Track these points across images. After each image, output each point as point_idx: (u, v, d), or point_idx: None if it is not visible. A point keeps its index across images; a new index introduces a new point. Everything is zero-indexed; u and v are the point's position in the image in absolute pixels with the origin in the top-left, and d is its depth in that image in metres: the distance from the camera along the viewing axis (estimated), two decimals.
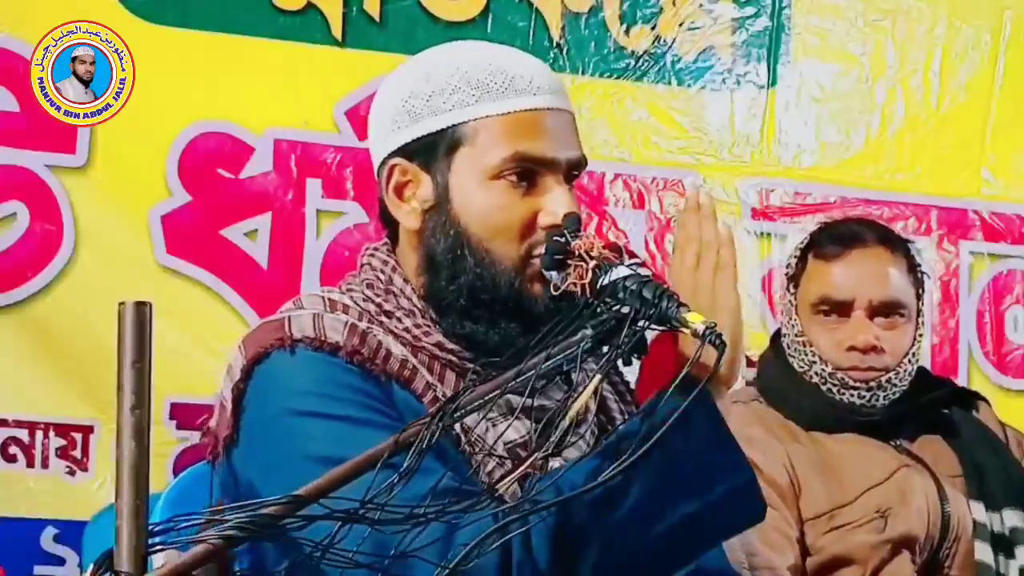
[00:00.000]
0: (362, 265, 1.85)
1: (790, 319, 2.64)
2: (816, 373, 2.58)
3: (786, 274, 2.69)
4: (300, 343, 1.69)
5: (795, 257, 2.67)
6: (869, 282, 2.59)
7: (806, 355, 2.59)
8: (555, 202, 1.74)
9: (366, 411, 1.65)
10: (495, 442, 1.70)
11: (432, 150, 1.77)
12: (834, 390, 2.57)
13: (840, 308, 2.59)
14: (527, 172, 1.75)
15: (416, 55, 1.86)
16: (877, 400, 2.57)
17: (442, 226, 1.76)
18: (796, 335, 2.61)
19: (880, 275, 2.59)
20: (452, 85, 1.76)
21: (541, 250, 1.71)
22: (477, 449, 1.68)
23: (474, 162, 1.75)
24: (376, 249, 1.86)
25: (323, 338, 1.69)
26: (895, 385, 2.58)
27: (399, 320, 1.76)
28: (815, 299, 2.60)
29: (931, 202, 3.75)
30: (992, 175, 3.78)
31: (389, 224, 1.85)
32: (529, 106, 1.76)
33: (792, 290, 2.65)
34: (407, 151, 1.78)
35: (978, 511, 2.54)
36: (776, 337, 2.73)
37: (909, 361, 2.60)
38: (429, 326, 1.76)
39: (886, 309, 2.58)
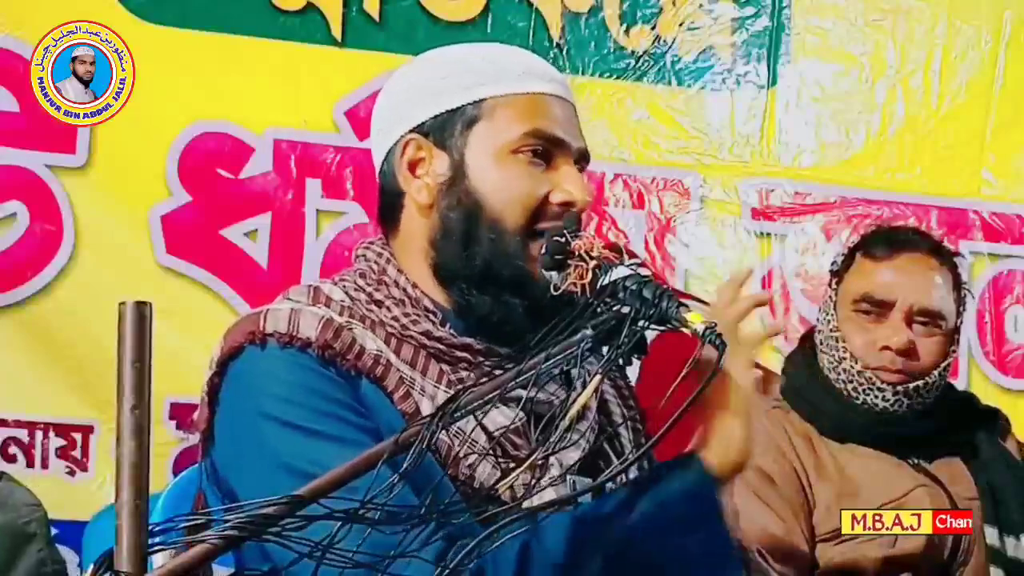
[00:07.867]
0: (357, 257, 1.88)
1: (827, 314, 2.59)
2: (844, 370, 2.53)
3: (831, 270, 2.66)
4: (271, 338, 1.70)
5: (842, 254, 2.65)
6: (913, 287, 2.55)
7: (836, 351, 2.55)
8: (569, 180, 1.79)
9: (328, 421, 1.65)
10: (496, 433, 1.70)
11: (449, 127, 1.80)
12: (859, 390, 2.52)
13: (880, 308, 2.55)
14: (543, 152, 1.79)
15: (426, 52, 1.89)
16: (901, 407, 2.53)
17: (457, 199, 1.78)
18: (831, 330, 2.56)
19: (926, 282, 2.56)
20: (470, 66, 1.81)
21: (547, 225, 1.75)
22: (459, 440, 1.68)
23: (492, 137, 1.78)
24: (371, 242, 1.88)
25: (294, 334, 1.70)
26: (922, 396, 2.54)
27: (388, 309, 1.77)
28: (857, 296, 2.56)
29: (931, 202, 3.75)
30: (992, 175, 3.78)
31: (387, 214, 1.86)
32: (546, 91, 1.82)
33: (834, 285, 2.61)
34: (422, 129, 1.81)
35: (992, 536, 2.51)
36: (807, 336, 2.69)
37: (939, 374, 2.55)
38: (418, 315, 1.77)
39: (925, 317, 2.55)
